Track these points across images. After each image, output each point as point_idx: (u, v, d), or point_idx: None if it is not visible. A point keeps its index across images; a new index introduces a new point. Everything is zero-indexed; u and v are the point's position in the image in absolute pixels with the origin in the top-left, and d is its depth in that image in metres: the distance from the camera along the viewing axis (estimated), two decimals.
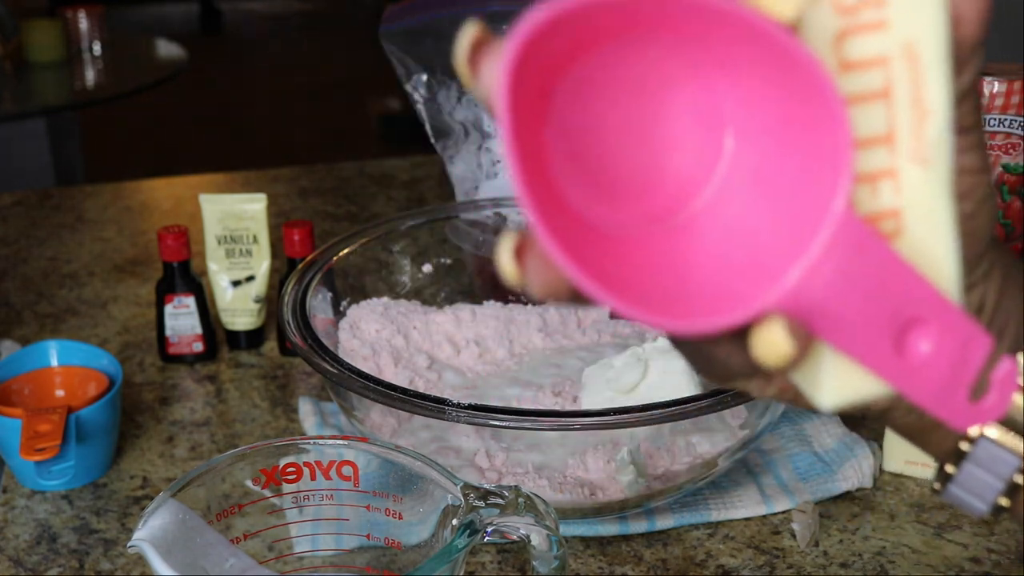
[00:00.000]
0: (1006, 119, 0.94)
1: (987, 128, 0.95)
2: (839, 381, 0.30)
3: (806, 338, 0.28)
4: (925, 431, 0.38)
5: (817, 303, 0.28)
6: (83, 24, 2.56)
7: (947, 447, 0.37)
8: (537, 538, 0.52)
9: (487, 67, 0.26)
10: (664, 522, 0.72)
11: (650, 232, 0.29)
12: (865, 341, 0.29)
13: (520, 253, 0.28)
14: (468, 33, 0.26)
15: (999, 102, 0.93)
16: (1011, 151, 0.95)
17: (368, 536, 0.57)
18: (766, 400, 0.31)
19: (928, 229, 0.30)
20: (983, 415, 0.31)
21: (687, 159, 0.29)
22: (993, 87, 0.93)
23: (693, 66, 0.28)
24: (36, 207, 1.30)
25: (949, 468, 0.37)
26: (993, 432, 0.36)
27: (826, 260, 0.27)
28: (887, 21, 0.28)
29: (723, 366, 0.31)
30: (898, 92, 0.29)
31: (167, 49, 2.74)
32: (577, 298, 0.28)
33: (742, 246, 0.28)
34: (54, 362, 0.82)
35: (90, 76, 2.56)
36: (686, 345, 0.32)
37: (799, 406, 0.34)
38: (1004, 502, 0.37)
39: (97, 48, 2.59)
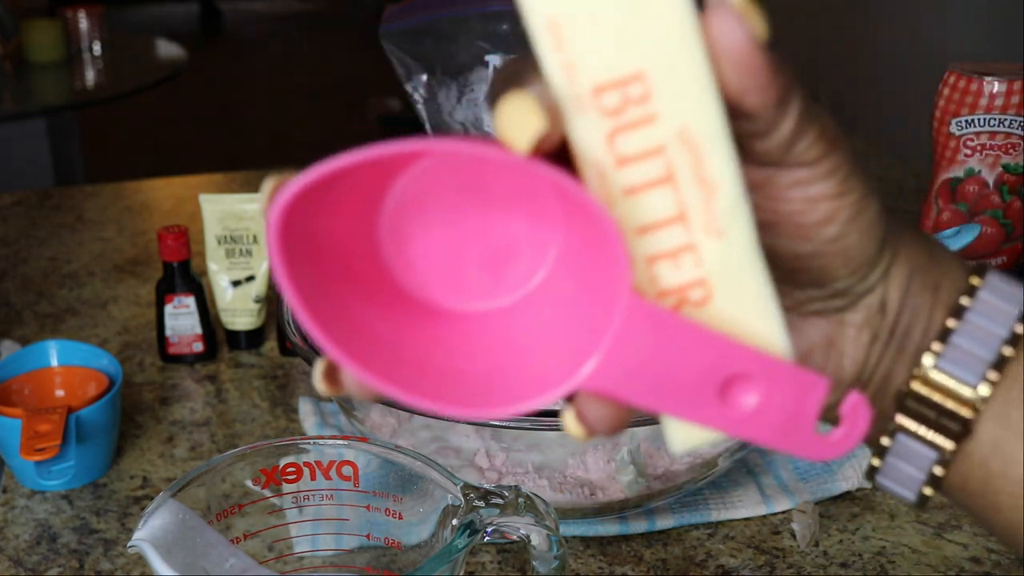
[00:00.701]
0: (1006, 119, 0.94)
1: (987, 128, 0.95)
2: (682, 432, 0.33)
3: (615, 412, 0.31)
4: None
5: (628, 377, 0.30)
6: (83, 24, 2.56)
7: (872, 440, 0.38)
8: (537, 538, 0.52)
9: (267, 217, 0.28)
10: (664, 522, 0.72)
11: (448, 336, 0.32)
12: (686, 402, 0.31)
13: (329, 376, 0.31)
14: (266, 184, 0.29)
15: (999, 102, 0.93)
16: (1011, 151, 0.95)
17: (368, 536, 0.57)
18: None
19: (736, 292, 0.31)
20: (835, 447, 0.32)
21: (499, 278, 0.32)
22: (993, 87, 0.93)
23: (474, 196, 0.31)
24: (36, 207, 1.30)
25: (875, 461, 0.38)
26: (910, 425, 0.36)
27: (625, 343, 0.30)
28: (655, 114, 0.29)
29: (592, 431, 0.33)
30: (681, 175, 0.30)
31: (167, 49, 2.74)
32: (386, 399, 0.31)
33: (544, 343, 0.31)
34: (54, 362, 0.82)
35: (90, 76, 2.56)
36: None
37: None
38: (928, 491, 0.37)
39: (97, 48, 2.59)
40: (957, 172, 0.97)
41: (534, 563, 0.52)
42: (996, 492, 0.37)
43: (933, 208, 1.00)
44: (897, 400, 0.37)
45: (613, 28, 0.28)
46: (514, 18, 1.00)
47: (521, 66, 0.30)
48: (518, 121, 0.27)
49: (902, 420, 0.37)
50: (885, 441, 0.37)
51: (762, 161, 0.32)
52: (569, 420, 0.31)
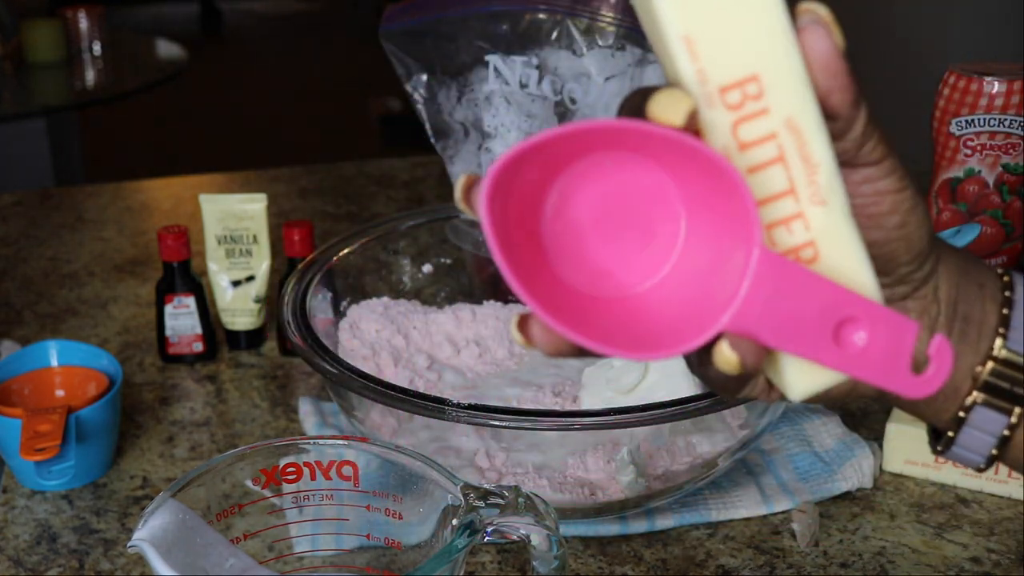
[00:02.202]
0: (1006, 119, 0.94)
1: (987, 128, 0.95)
2: (800, 376, 0.39)
3: (755, 348, 0.37)
4: (918, 407, 0.46)
5: (760, 321, 0.36)
6: (83, 24, 2.56)
7: (947, 416, 0.45)
8: (537, 538, 0.52)
9: (474, 200, 0.35)
10: (664, 522, 0.72)
11: (624, 295, 0.38)
12: (808, 342, 0.37)
13: (523, 325, 0.37)
14: (460, 180, 0.36)
15: (999, 102, 0.93)
16: (1011, 151, 0.95)
17: (368, 536, 0.57)
18: (765, 402, 0.43)
19: (838, 249, 0.38)
20: (927, 385, 0.38)
21: (653, 244, 0.38)
22: (993, 87, 0.93)
23: (643, 169, 0.37)
24: (36, 207, 1.30)
25: (950, 433, 0.45)
26: (985, 398, 0.44)
27: (759, 289, 0.36)
28: (767, 108, 0.37)
29: (717, 382, 0.40)
30: (790, 156, 0.37)
31: (167, 49, 2.74)
32: (581, 352, 0.38)
33: (698, 291, 0.37)
34: (54, 362, 0.82)
35: (90, 76, 2.56)
36: (695, 374, 0.42)
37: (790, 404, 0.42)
38: (995, 451, 0.45)
39: (97, 48, 2.59)
40: (957, 172, 0.97)
41: (534, 563, 0.52)
42: None
43: (933, 208, 1.00)
44: (973, 378, 0.44)
45: (733, 41, 0.36)
46: (514, 18, 1.00)
47: (644, 90, 0.37)
48: (673, 103, 0.34)
49: (978, 395, 0.44)
50: (962, 415, 0.44)
51: (840, 161, 0.39)
52: (725, 350, 0.37)
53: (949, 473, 0.77)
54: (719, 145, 0.37)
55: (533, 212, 0.37)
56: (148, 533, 0.49)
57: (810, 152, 0.37)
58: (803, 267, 0.37)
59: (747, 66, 0.36)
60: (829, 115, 0.38)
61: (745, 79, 0.36)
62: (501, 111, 0.99)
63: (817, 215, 0.38)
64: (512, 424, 0.65)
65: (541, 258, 0.37)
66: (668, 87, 0.35)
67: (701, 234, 0.37)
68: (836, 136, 0.38)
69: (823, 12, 0.37)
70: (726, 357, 0.37)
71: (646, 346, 0.36)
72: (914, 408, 0.46)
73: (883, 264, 0.41)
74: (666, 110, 0.34)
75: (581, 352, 0.38)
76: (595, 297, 0.38)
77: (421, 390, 0.77)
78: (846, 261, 0.38)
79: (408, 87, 1.02)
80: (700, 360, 0.39)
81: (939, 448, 0.46)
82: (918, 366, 0.38)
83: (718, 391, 0.41)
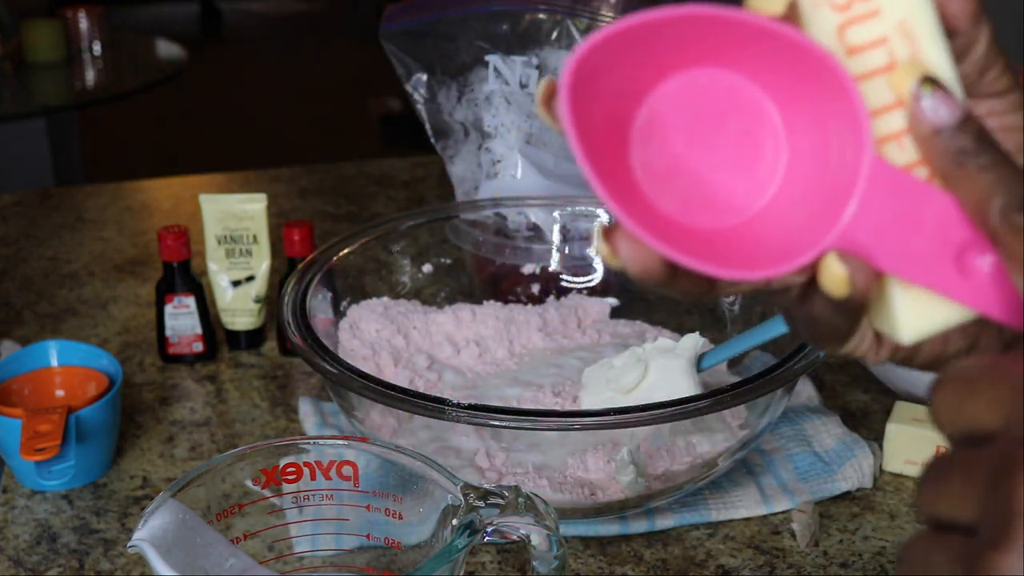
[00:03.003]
0: None
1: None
2: (913, 314, 0.35)
3: (867, 270, 0.33)
4: None
5: (873, 238, 0.33)
6: (83, 24, 2.56)
7: None
8: (537, 538, 0.52)
9: (557, 104, 0.31)
10: (664, 522, 0.72)
11: (724, 221, 0.34)
12: (928, 268, 0.33)
13: (610, 235, 0.34)
14: (541, 84, 0.32)
15: None
16: None
17: (368, 536, 0.57)
18: (871, 362, 0.39)
19: None
20: None
21: (755, 165, 0.35)
22: None
23: (741, 72, 0.34)
24: (36, 207, 1.30)
25: None
26: None
27: (871, 203, 0.33)
28: (879, 9, 0.33)
29: (822, 320, 0.35)
30: (903, 63, 0.33)
31: (167, 49, 2.74)
32: (670, 273, 0.34)
33: (801, 208, 0.34)
34: (54, 362, 0.82)
35: (90, 76, 2.56)
36: (794, 320, 0.37)
37: (898, 362, 0.38)
38: None
39: (97, 48, 2.59)
40: None
41: (534, 563, 0.53)
42: None
43: None
44: None
45: None
46: (514, 18, 1.00)
47: None
48: None
49: None
50: None
51: (963, 87, 0.35)
52: (834, 263, 0.33)
53: None
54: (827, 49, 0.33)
55: (621, 130, 0.33)
56: (148, 533, 0.49)
57: (925, 59, 0.33)
58: (919, 180, 0.33)
59: None
60: (948, 28, 0.34)
61: None
62: (501, 111, 0.99)
63: None
64: (512, 424, 0.65)
65: (629, 176, 0.34)
66: None
67: (805, 147, 0.34)
68: (957, 56, 0.35)
69: None
70: (833, 273, 0.33)
71: (748, 263, 0.33)
72: None
73: None
74: (763, 0, 0.32)
75: (670, 274, 0.34)
76: (689, 214, 0.34)
77: (421, 390, 0.77)
78: None
79: (408, 87, 1.02)
80: (803, 295, 0.35)
81: None
82: None
83: (820, 339, 0.37)
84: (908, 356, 0.37)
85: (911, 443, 0.76)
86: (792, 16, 0.32)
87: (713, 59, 0.34)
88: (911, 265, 0.33)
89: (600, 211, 0.93)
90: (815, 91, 0.33)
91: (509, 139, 0.99)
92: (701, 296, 0.37)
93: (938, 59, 0.34)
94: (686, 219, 0.34)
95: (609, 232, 0.34)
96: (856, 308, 0.34)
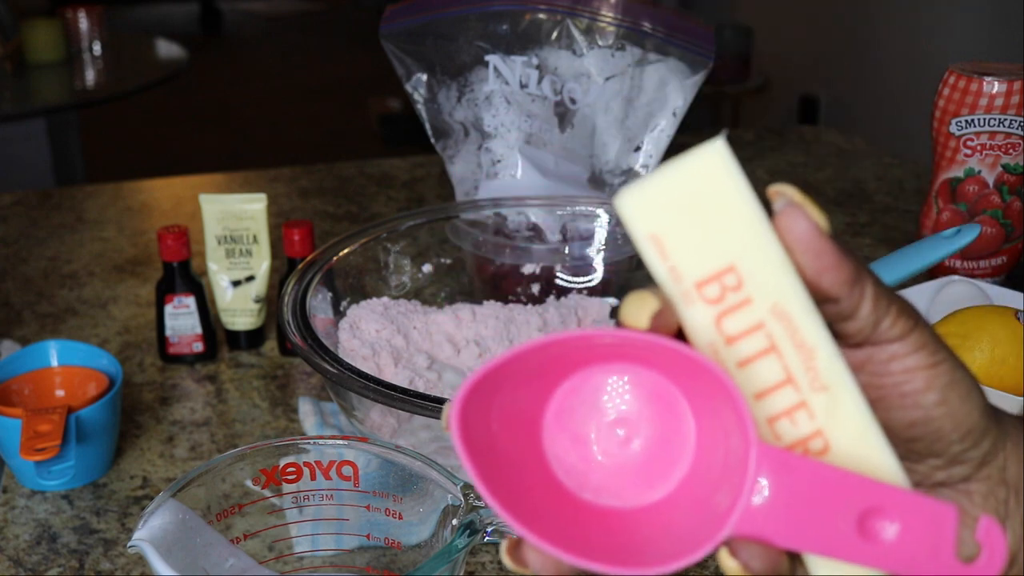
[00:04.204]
0: (1006, 119, 0.94)
1: (987, 128, 0.95)
2: (831, 570, 0.35)
3: (763, 553, 0.34)
4: None
5: (769, 523, 0.34)
6: (83, 24, 2.56)
7: None
8: None
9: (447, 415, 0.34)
10: None
11: (620, 511, 0.36)
12: (829, 539, 0.34)
13: (513, 551, 0.35)
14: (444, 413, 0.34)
15: (999, 102, 0.93)
16: (1011, 151, 0.95)
17: (368, 536, 0.57)
18: None
19: (850, 435, 0.35)
20: (983, 570, 0.34)
21: (661, 453, 0.36)
22: (993, 87, 0.93)
23: (645, 377, 0.36)
24: (36, 207, 1.30)
25: None
26: None
27: (764, 488, 0.34)
28: (749, 297, 0.34)
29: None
30: (782, 344, 0.35)
31: (167, 49, 2.74)
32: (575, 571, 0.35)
33: (701, 501, 0.35)
34: (54, 362, 0.82)
35: (90, 76, 2.56)
36: None
37: None
38: None
39: (97, 48, 2.59)
40: (957, 172, 0.97)
41: None
42: None
43: (933, 208, 1.00)
44: None
45: (702, 234, 0.34)
46: (514, 18, 1.00)
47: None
48: (637, 306, 0.34)
49: None
50: None
51: (857, 342, 0.37)
52: (725, 559, 0.35)
53: None
54: (705, 342, 0.35)
55: (526, 433, 0.35)
56: (148, 533, 0.49)
57: (803, 338, 0.34)
58: (810, 459, 0.34)
59: (721, 257, 0.34)
60: (826, 297, 0.35)
61: (721, 271, 0.34)
62: (501, 111, 0.99)
63: (821, 402, 0.35)
64: None
65: (535, 478, 0.35)
66: (634, 291, 0.35)
67: (708, 439, 0.35)
68: (843, 318, 0.36)
69: (794, 193, 0.35)
70: (727, 566, 0.34)
71: (651, 560, 0.34)
72: None
73: (930, 444, 0.38)
74: (631, 314, 0.34)
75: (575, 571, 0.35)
76: (594, 511, 0.36)
77: (421, 390, 0.77)
78: (861, 448, 0.35)
79: (408, 87, 1.02)
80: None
81: None
82: (967, 553, 0.35)
83: None
84: None
85: None
86: (664, 318, 0.34)
87: (610, 360, 0.36)
88: (812, 540, 0.34)
89: (600, 211, 0.93)
90: (705, 386, 0.34)
91: (509, 139, 0.99)
92: None
93: (813, 333, 0.35)
94: (590, 515, 0.35)
95: (513, 548, 0.35)
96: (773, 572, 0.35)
